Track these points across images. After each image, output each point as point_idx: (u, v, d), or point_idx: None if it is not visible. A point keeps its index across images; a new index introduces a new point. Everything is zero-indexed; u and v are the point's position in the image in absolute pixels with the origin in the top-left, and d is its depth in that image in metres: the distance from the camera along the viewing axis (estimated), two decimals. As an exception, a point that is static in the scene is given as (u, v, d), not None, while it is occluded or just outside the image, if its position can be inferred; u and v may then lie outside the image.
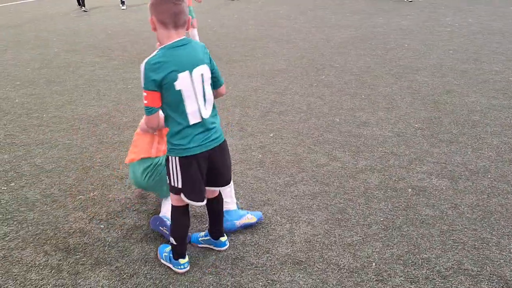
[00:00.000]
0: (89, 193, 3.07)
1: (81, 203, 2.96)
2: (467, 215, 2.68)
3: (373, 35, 7.70)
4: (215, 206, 2.37)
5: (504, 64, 5.61)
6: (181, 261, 2.29)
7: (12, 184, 3.24)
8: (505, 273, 2.21)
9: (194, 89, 1.94)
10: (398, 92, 4.87)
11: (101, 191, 3.09)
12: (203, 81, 1.97)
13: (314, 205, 2.85)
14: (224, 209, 2.50)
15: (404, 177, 3.15)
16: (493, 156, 3.38)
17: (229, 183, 2.27)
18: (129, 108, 4.70)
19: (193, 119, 1.98)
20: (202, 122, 2.01)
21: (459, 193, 2.92)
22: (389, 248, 2.43)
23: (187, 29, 1.97)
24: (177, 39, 1.90)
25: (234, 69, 6.04)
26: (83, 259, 2.42)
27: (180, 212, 2.23)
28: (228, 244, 2.48)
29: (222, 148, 2.13)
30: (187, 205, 2.23)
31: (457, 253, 2.36)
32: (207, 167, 2.10)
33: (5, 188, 3.19)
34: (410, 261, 2.32)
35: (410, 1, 10.70)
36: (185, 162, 2.04)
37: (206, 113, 2.01)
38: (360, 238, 2.52)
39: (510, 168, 3.19)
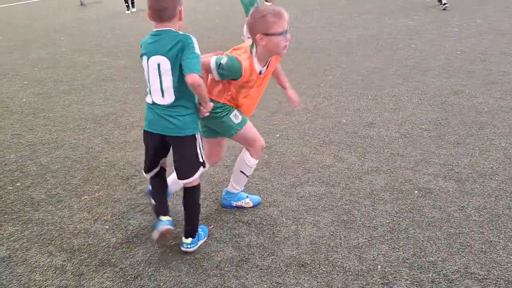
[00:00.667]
0: (94, 194, 3.08)
1: (86, 203, 2.97)
2: (474, 218, 2.65)
3: (380, 35, 7.65)
4: (185, 200, 2.43)
5: (509, 65, 5.54)
6: (162, 217, 2.35)
7: (18, 184, 3.26)
8: (513, 277, 2.18)
9: (148, 73, 2.19)
10: (405, 93, 4.83)
11: (107, 192, 3.10)
12: (159, 71, 2.14)
13: (320, 207, 2.84)
14: (227, 189, 2.82)
15: (410, 178, 3.12)
16: (501, 158, 3.34)
17: (186, 178, 2.34)
18: (136, 108, 4.71)
19: (148, 98, 2.27)
20: (153, 105, 2.24)
21: (466, 195, 2.88)
22: (395, 250, 2.41)
23: (180, 19, 2.19)
24: (157, 29, 2.17)
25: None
26: (87, 260, 2.42)
27: (153, 179, 2.46)
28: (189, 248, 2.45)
29: (178, 142, 2.26)
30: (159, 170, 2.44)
31: (464, 257, 2.33)
32: (164, 152, 2.35)
33: (11, 188, 3.21)
34: (416, 264, 2.30)
35: (444, 7, 9.28)
36: (143, 133, 2.35)
37: (160, 100, 2.19)
38: (366, 240, 2.50)
39: (518, 170, 3.15)
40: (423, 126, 3.97)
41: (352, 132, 3.93)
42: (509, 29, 7.42)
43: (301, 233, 2.59)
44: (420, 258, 2.34)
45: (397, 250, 2.41)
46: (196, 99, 2.29)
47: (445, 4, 9.03)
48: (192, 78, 2.06)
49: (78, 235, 2.63)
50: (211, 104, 2.31)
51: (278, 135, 3.94)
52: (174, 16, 2.14)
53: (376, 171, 3.24)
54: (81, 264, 2.39)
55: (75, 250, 2.50)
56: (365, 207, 2.81)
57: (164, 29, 2.13)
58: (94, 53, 7.41)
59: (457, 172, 3.17)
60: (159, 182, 2.46)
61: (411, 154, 3.47)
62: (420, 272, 2.24)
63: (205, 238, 2.54)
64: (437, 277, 2.21)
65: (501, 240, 2.44)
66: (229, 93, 2.46)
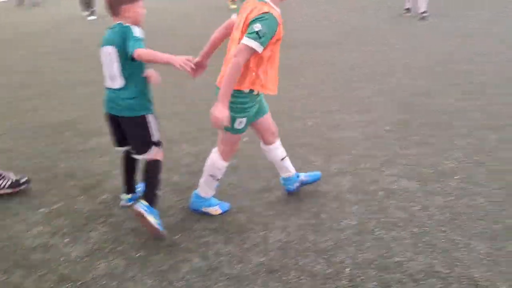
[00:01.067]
0: (52, 205, 2.94)
1: (43, 216, 2.83)
2: (437, 217, 2.71)
3: (347, 37, 7.79)
4: (144, 173, 2.64)
5: (474, 66, 5.78)
6: (122, 195, 2.89)
7: (-30, 197, 3.06)
8: (474, 274, 2.24)
9: (103, 61, 2.51)
10: (371, 94, 4.93)
11: (65, 203, 2.96)
12: (110, 58, 2.46)
13: (288, 211, 2.83)
14: (197, 192, 2.77)
15: (376, 179, 3.17)
16: (460, 157, 3.45)
17: (139, 154, 2.61)
18: (95, 114, 4.53)
19: (105, 83, 2.58)
20: (107, 89, 2.57)
21: (428, 195, 2.96)
22: (362, 252, 2.43)
23: (128, 17, 2.43)
24: (113, 23, 2.49)
25: (206, 73, 5.96)
26: (46, 276, 2.29)
27: (123, 156, 2.80)
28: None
29: (126, 122, 2.55)
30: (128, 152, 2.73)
31: (428, 256, 2.38)
32: (121, 131, 2.62)
33: (-38, 201, 3.01)
34: (383, 265, 2.32)
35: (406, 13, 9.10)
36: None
37: (112, 84, 2.52)
38: (334, 243, 2.51)
39: (477, 169, 3.26)
40: (387, 127, 4.05)
41: (318, 134, 3.96)
42: (476, 32, 7.72)
43: (270, 238, 2.57)
44: (387, 259, 2.37)
45: (364, 252, 2.43)
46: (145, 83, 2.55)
47: (408, 9, 9.02)
48: (135, 53, 2.32)
49: (36, 250, 2.50)
50: (179, 59, 2.28)
51: (245, 139, 3.89)
52: (118, 13, 2.45)
53: (343, 173, 3.27)
54: (40, 281, 2.26)
55: (33, 266, 2.36)
56: (333, 209, 2.83)
57: (117, 22, 2.47)
58: (52, 58, 7.13)
59: (419, 172, 3.25)
60: (127, 164, 2.82)
61: (376, 155, 3.53)
62: (387, 273, 2.27)
63: (161, 228, 2.54)
64: (403, 277, 2.24)
65: (463, 238, 2.51)
66: (254, 73, 2.42)
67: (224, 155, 2.67)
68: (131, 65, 2.44)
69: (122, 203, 2.89)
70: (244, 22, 2.35)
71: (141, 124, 2.54)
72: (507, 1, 10.56)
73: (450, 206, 2.82)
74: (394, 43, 7.11)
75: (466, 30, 7.93)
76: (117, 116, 2.56)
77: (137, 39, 2.36)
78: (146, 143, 2.58)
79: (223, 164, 2.68)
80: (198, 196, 2.77)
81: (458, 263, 2.31)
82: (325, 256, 2.40)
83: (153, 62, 2.39)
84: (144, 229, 2.57)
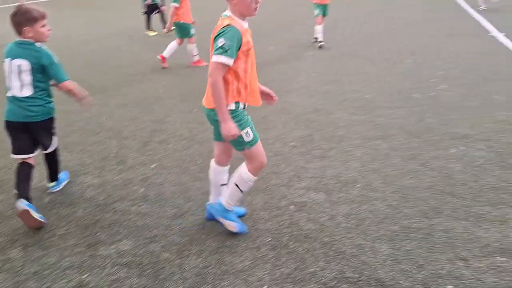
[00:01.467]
0: None
1: None
2: (343, 225, 2.90)
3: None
4: (48, 160, 3.24)
5: (359, 84, 6.34)
6: (22, 200, 2.79)
7: None
8: (380, 275, 2.42)
9: (10, 71, 2.85)
10: (274, 113, 5.13)
11: None
12: (20, 70, 2.82)
13: (203, 235, 2.80)
14: (221, 202, 2.74)
15: (286, 194, 3.29)
16: (358, 167, 3.75)
17: (49, 149, 3.12)
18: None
19: (8, 93, 2.91)
20: (12, 98, 2.89)
21: (334, 205, 3.15)
22: (278, 267, 2.49)
23: (30, 37, 2.84)
24: (19, 40, 2.86)
25: (107, 99, 5.72)
26: None
27: (19, 165, 2.98)
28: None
29: (39, 125, 2.95)
30: (29, 163, 2.97)
31: (339, 263, 2.53)
32: (28, 135, 2.94)
33: None
34: (298, 278, 2.40)
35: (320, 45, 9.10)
36: (4, 124, 2.95)
37: (20, 93, 2.85)
38: (251, 262, 2.54)
39: (373, 176, 3.57)
40: (292, 144, 4.25)
41: (228, 155, 4.00)
42: (353, 52, 8.50)
43: (186, 266, 2.51)
44: (302, 271, 2.46)
45: (280, 266, 2.50)
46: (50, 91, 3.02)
47: (320, 42, 9.54)
48: (63, 86, 2.92)
49: None
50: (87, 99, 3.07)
51: (153, 166, 3.80)
52: (21, 33, 2.82)
53: (254, 191, 3.34)
54: None
55: None
56: (247, 228, 2.86)
57: (24, 39, 2.85)
58: None
59: (324, 184, 3.45)
60: (25, 173, 2.93)
61: (284, 171, 3.67)
62: (302, 285, 2.35)
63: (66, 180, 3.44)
64: (318, 286, 2.34)
65: (368, 242, 2.71)
66: (235, 85, 2.44)
67: (253, 171, 2.64)
68: (41, 77, 2.87)
69: (22, 206, 2.77)
70: (211, 43, 2.42)
71: (51, 124, 3.05)
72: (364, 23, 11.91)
73: (354, 213, 3.04)
74: (274, 67, 7.55)
75: (342, 53, 8.73)
76: (27, 123, 2.88)
77: (58, 66, 2.88)
78: (52, 137, 3.10)
79: (249, 177, 2.64)
80: (221, 205, 2.75)
81: (365, 267, 2.49)
82: (243, 276, 2.42)
83: (72, 95, 3.01)
84: (48, 271, 2.34)
